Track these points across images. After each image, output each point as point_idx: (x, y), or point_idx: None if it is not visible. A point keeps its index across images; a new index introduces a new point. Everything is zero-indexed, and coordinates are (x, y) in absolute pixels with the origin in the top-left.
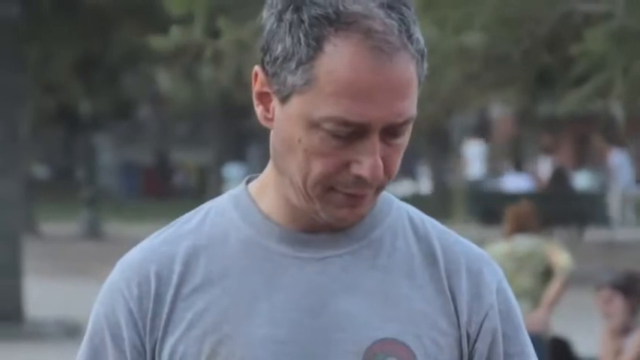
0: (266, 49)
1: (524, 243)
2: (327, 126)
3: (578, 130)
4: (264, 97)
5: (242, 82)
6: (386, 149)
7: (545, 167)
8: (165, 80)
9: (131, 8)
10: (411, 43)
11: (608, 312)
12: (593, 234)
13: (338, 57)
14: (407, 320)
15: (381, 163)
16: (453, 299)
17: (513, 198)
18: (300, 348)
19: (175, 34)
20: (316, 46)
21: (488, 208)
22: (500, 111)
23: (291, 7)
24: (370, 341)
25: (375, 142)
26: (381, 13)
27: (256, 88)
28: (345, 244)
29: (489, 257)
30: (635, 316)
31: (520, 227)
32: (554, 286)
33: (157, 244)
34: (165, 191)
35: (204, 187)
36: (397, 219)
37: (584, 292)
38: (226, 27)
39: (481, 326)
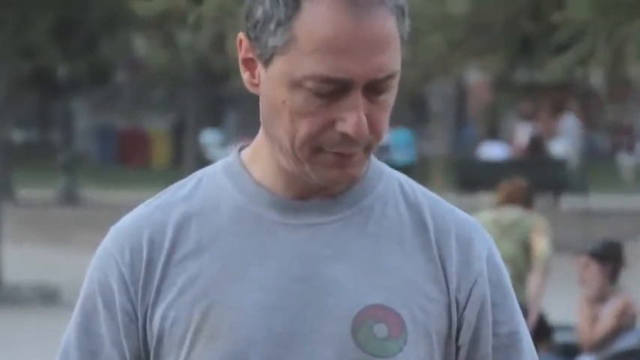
0: (248, 15)
1: (510, 213)
2: (310, 84)
3: (555, 97)
4: (249, 63)
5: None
6: (370, 107)
7: (522, 134)
8: (142, 46)
9: None
10: None
11: (584, 279)
12: (570, 201)
13: (315, 15)
14: (396, 287)
15: (364, 119)
16: (443, 267)
17: (490, 166)
18: (290, 314)
19: None
20: (294, 5)
21: (464, 176)
22: (476, 78)
23: None
24: (359, 307)
25: (357, 98)
26: None
27: (241, 54)
28: (336, 211)
29: (480, 226)
30: (612, 284)
31: (510, 201)
32: (535, 280)
33: (150, 210)
34: (141, 157)
35: (180, 153)
36: (388, 187)
37: (560, 260)
38: None
39: (470, 293)
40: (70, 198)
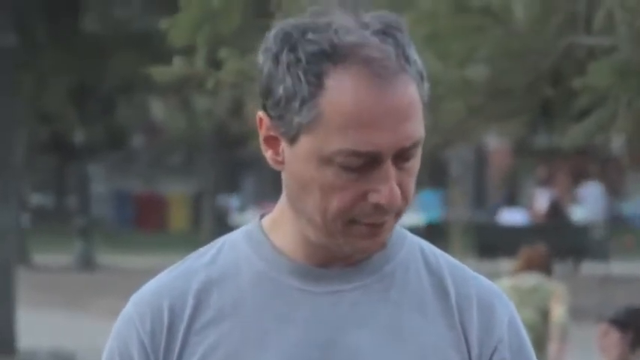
0: (267, 94)
1: (530, 279)
2: (339, 159)
3: (574, 162)
4: (271, 141)
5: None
6: (399, 174)
7: (541, 200)
8: (159, 110)
9: (128, 38)
10: (409, 65)
11: (604, 347)
12: (590, 267)
13: (340, 90)
14: (417, 354)
15: (397, 189)
16: (464, 333)
17: (509, 231)
18: None
19: (177, 64)
20: (317, 82)
21: (484, 242)
22: (496, 143)
23: (287, 47)
24: None
25: (389, 169)
26: (375, 39)
27: (262, 133)
28: (357, 278)
29: (501, 292)
30: (633, 352)
31: (530, 267)
32: (553, 347)
33: (171, 278)
34: (158, 222)
35: (198, 217)
36: (410, 253)
37: (580, 326)
38: (228, 57)
39: (491, 359)
40: (86, 263)
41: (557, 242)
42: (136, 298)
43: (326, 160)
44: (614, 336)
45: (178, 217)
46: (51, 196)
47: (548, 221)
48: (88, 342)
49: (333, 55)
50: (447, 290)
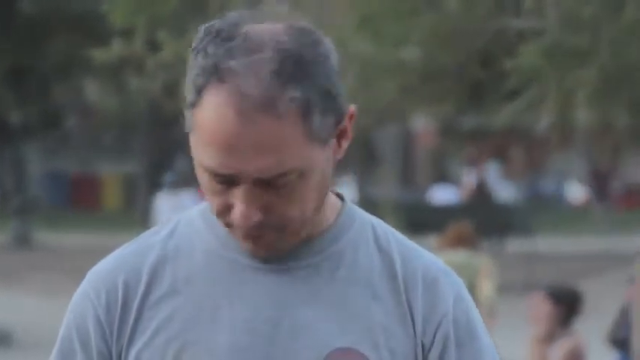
0: None
1: (457, 255)
2: (205, 170)
3: (499, 143)
4: None
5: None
6: (270, 197)
7: (468, 179)
8: (93, 91)
9: (66, 20)
10: (289, 102)
11: (535, 316)
12: (516, 244)
13: (208, 109)
14: (365, 330)
15: (250, 211)
16: (410, 311)
17: (437, 210)
18: (259, 355)
19: (117, 46)
20: (197, 95)
21: (413, 220)
22: (423, 124)
23: (194, 52)
24: (327, 350)
25: (246, 192)
26: (257, 72)
27: None
28: (306, 256)
29: (449, 269)
30: (563, 327)
31: (457, 243)
32: None
33: (127, 254)
34: (93, 201)
35: (132, 198)
36: (359, 232)
37: (506, 301)
38: (166, 40)
39: (434, 335)
40: (22, 241)
41: (484, 220)
42: (91, 275)
43: (200, 165)
44: (547, 308)
45: (112, 197)
46: None
47: (474, 200)
48: (25, 318)
49: (214, 75)
50: (394, 269)
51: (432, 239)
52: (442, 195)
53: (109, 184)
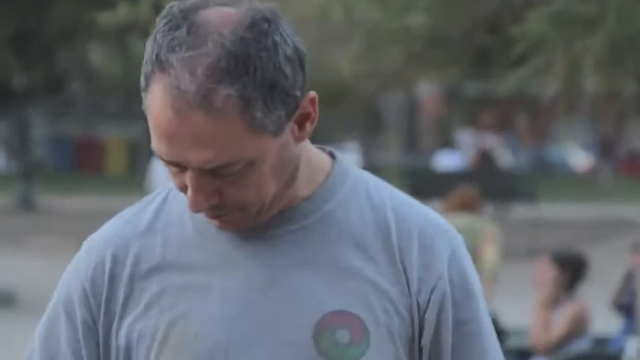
0: None
1: (461, 219)
2: None
3: (504, 110)
4: None
5: None
6: (221, 184)
7: (472, 145)
8: (97, 56)
9: None
10: (225, 99)
11: (540, 280)
12: (520, 211)
13: (152, 99)
14: (358, 292)
15: (199, 198)
16: (404, 270)
17: (441, 175)
18: (253, 324)
19: (123, 10)
20: (145, 82)
21: (417, 185)
22: (428, 90)
23: (152, 34)
24: (320, 314)
25: (193, 179)
26: (194, 68)
27: None
28: (297, 219)
29: (446, 226)
30: (568, 292)
31: (461, 208)
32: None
33: (118, 226)
34: (96, 165)
35: (135, 162)
36: (352, 191)
37: (510, 267)
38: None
39: (430, 295)
40: (26, 204)
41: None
42: (84, 246)
43: None
44: (552, 273)
45: (115, 161)
46: None
47: (479, 166)
48: (28, 279)
49: (156, 65)
50: (388, 228)
51: (437, 204)
52: (447, 161)
53: (113, 148)
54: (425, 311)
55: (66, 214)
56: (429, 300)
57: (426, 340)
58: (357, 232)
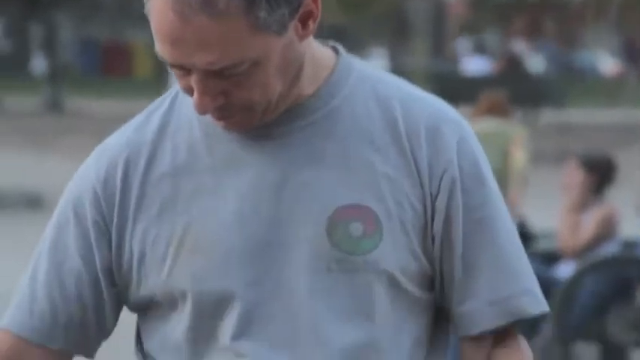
0: None
1: (490, 123)
2: None
3: (532, 15)
4: None
5: None
6: (227, 85)
7: (499, 50)
8: None
9: None
10: (228, 0)
11: (568, 183)
12: (548, 115)
13: (152, 4)
14: (369, 184)
15: (205, 100)
16: (414, 159)
17: (469, 80)
18: (266, 221)
19: None
20: None
21: (444, 90)
22: None
23: None
24: (333, 208)
25: (198, 81)
26: None
27: None
28: (304, 116)
29: (453, 112)
30: (596, 195)
31: (490, 112)
32: (512, 191)
33: (130, 130)
34: (123, 69)
35: (163, 66)
36: (357, 85)
37: (539, 171)
38: None
39: (440, 183)
40: (53, 107)
41: (517, 91)
42: (96, 151)
43: None
44: (580, 176)
45: (143, 65)
46: (18, 44)
47: (507, 71)
48: (55, 181)
49: None
50: (395, 119)
51: (464, 110)
52: (474, 66)
53: (140, 52)
54: (435, 199)
55: (93, 117)
56: (439, 187)
57: (437, 228)
58: (365, 126)
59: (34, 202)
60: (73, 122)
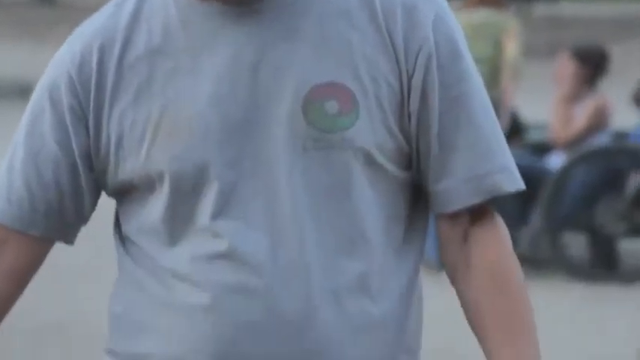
0: None
1: (482, 14)
2: None
3: None
4: None
5: None
6: None
7: None
8: None
9: None
10: None
11: (560, 75)
12: (541, 9)
13: None
14: (346, 62)
15: None
16: (390, 37)
17: None
18: (243, 100)
19: None
20: None
21: None
22: None
23: None
24: (309, 86)
25: None
26: None
27: None
28: None
29: None
30: (588, 87)
31: (483, 2)
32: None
33: (105, 16)
34: None
35: None
36: None
37: (531, 63)
38: None
39: (416, 60)
40: None
41: None
42: (71, 37)
43: None
44: (573, 67)
45: None
46: None
47: None
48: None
49: None
50: None
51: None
52: None
53: None
54: (412, 76)
55: (87, 9)
56: (415, 64)
57: (414, 105)
58: (342, 4)
59: (26, 91)
60: (66, 13)
